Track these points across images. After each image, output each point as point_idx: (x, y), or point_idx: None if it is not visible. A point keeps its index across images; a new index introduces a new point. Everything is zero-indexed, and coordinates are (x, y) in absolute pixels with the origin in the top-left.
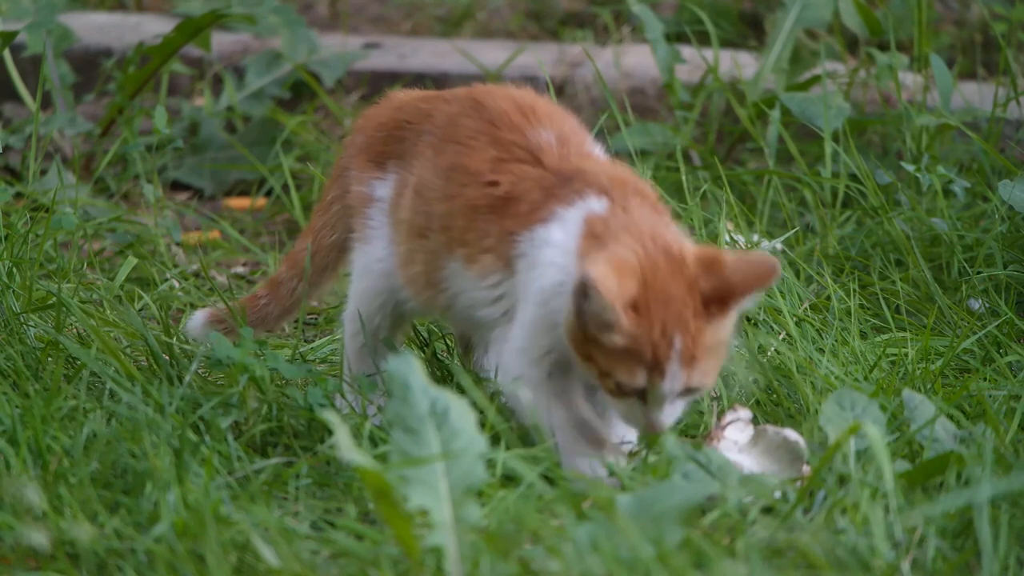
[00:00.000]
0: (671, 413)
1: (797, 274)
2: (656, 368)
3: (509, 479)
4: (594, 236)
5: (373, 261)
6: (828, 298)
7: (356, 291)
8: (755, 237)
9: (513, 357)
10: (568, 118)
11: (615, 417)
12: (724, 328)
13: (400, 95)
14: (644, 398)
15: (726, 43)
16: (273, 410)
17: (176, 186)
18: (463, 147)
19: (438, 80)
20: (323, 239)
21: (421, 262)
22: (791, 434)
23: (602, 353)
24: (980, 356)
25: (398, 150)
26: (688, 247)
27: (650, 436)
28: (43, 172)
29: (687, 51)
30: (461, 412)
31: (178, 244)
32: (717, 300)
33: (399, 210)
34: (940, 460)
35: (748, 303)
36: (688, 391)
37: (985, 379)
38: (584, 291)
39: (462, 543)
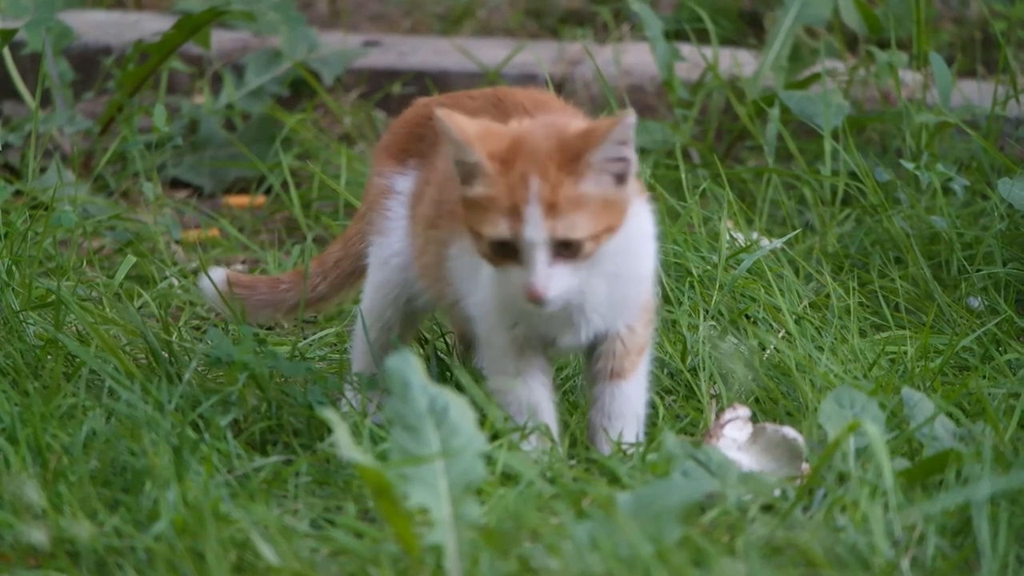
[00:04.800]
0: (553, 278)
1: (796, 272)
2: (515, 213)
3: (508, 477)
4: None
5: (390, 254)
6: (827, 296)
7: (371, 283)
8: (754, 235)
9: (483, 313)
10: (578, 112)
11: (616, 419)
12: (595, 184)
13: (427, 98)
14: (518, 259)
15: (725, 41)
16: (273, 408)
17: (175, 184)
18: None
19: (438, 78)
20: (353, 246)
21: (432, 252)
22: (790, 432)
23: (473, 213)
24: (979, 354)
25: (419, 148)
26: (576, 124)
27: (533, 301)
28: (42, 170)
29: (686, 49)
30: (460, 410)
31: (177, 242)
32: (576, 155)
33: (418, 205)
34: (939, 458)
35: (606, 155)
36: (563, 246)
37: (984, 377)
38: (448, 137)
39: (461, 541)
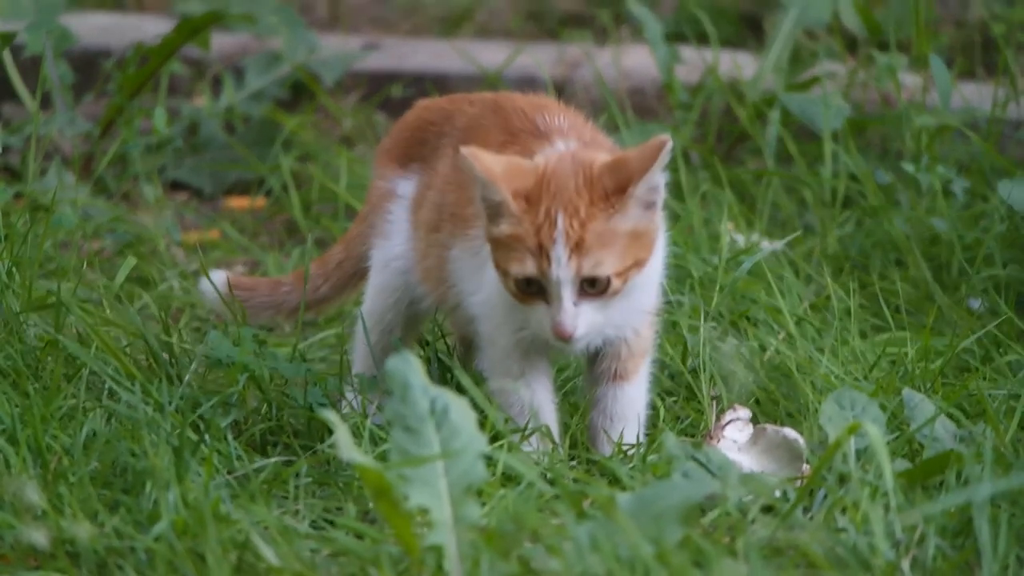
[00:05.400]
0: (580, 317)
1: (797, 274)
2: (541, 252)
3: (509, 478)
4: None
5: (391, 258)
6: (828, 298)
7: (372, 286)
8: (755, 237)
9: (486, 313)
10: (579, 116)
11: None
12: (628, 218)
13: (428, 100)
14: (545, 297)
15: (725, 43)
16: (273, 409)
17: (176, 186)
18: (476, 143)
19: (437, 81)
20: (355, 248)
21: (434, 256)
22: (791, 433)
23: (501, 251)
24: (980, 355)
25: (421, 152)
26: (602, 157)
27: (560, 339)
28: (43, 172)
29: (686, 51)
30: (461, 411)
31: (178, 244)
32: (617, 190)
33: (420, 210)
34: (940, 459)
35: (648, 185)
36: (589, 283)
37: (985, 378)
38: (473, 176)
39: (462, 542)
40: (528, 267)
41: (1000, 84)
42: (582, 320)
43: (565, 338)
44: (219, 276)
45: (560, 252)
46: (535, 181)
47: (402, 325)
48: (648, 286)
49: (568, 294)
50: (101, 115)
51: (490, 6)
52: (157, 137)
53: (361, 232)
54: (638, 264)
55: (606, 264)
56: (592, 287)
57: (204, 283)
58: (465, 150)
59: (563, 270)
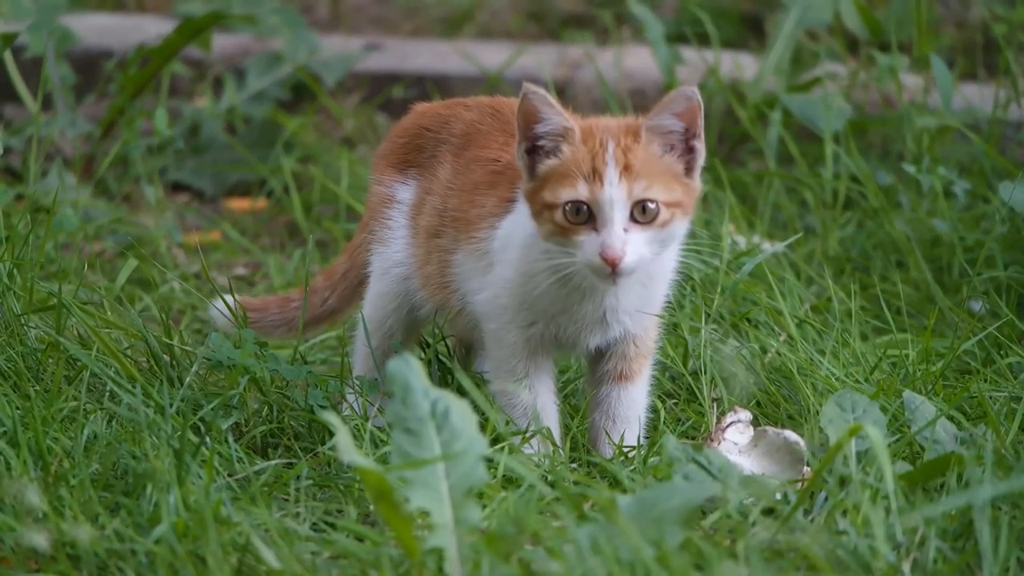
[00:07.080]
0: (630, 243)
1: (798, 275)
2: (595, 176)
3: (510, 480)
4: None
5: (391, 265)
6: (829, 299)
7: (373, 292)
8: (756, 238)
9: (493, 311)
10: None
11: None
12: (657, 149)
13: (424, 104)
14: (595, 224)
15: (727, 44)
16: (274, 411)
17: (177, 187)
18: (479, 147)
19: (439, 81)
20: (359, 256)
21: (436, 261)
22: (791, 436)
23: (549, 186)
24: (981, 357)
25: (419, 158)
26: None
27: (609, 264)
28: (44, 173)
29: (688, 52)
30: (462, 413)
31: (179, 245)
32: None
33: (419, 216)
34: (941, 461)
35: (659, 121)
36: (640, 209)
37: (986, 380)
38: (529, 113)
39: (463, 544)
40: (581, 191)
41: (1001, 85)
42: (631, 247)
43: (613, 262)
44: (227, 300)
45: (612, 174)
46: (584, 123)
47: (402, 330)
48: (664, 276)
49: (619, 218)
50: (102, 116)
51: (491, 7)
52: (158, 138)
53: (364, 240)
54: (681, 207)
55: (655, 190)
56: (643, 214)
57: (214, 308)
58: (529, 86)
59: (616, 191)
